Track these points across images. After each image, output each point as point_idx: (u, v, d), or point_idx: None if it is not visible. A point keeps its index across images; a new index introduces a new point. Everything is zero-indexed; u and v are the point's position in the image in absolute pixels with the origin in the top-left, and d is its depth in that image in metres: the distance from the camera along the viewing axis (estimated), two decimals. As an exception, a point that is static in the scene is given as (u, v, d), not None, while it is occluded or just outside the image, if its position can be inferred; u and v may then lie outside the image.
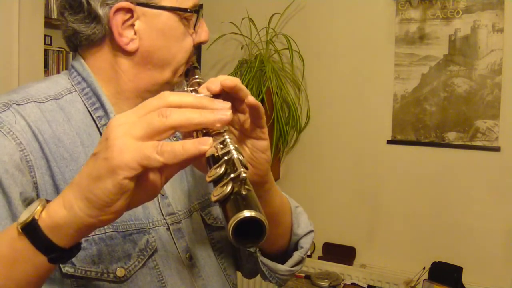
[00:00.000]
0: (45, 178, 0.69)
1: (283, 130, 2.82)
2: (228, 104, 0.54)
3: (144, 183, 0.52)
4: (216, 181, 0.51)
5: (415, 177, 2.64)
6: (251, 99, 0.65)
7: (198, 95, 0.62)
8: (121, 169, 0.48)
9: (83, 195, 0.51)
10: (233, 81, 0.63)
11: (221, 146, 0.54)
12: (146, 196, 0.54)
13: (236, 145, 0.54)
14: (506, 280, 2.42)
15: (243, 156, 0.54)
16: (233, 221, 0.46)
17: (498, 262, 2.45)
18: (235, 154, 0.53)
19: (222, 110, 0.52)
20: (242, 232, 0.47)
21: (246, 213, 0.46)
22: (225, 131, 0.58)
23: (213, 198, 0.50)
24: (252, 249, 0.88)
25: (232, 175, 0.50)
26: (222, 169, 0.51)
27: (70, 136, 0.73)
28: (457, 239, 2.53)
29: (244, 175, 0.50)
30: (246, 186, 0.50)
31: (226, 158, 0.52)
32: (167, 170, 0.53)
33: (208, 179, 0.52)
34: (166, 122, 0.50)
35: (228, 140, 0.54)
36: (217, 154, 0.53)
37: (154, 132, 0.50)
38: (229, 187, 0.49)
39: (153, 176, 0.52)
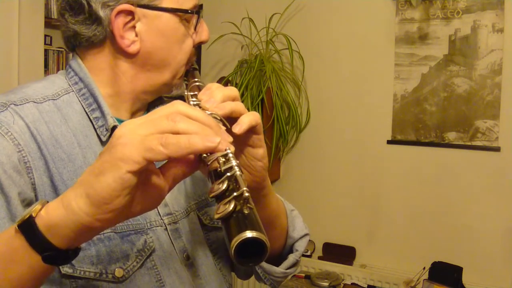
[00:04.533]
0: (43, 179, 0.69)
1: (283, 130, 2.82)
2: (230, 139, 0.56)
3: (148, 188, 0.52)
4: (219, 197, 0.52)
5: (415, 177, 2.64)
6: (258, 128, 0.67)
7: (208, 113, 0.62)
8: (123, 162, 0.49)
9: (84, 191, 0.51)
10: (257, 121, 0.66)
11: (223, 159, 0.54)
12: (151, 203, 0.54)
13: (238, 161, 0.55)
14: (506, 280, 2.42)
15: (242, 173, 0.54)
16: (235, 241, 0.47)
17: (498, 262, 2.45)
18: (237, 171, 0.53)
19: (226, 141, 0.53)
20: (243, 250, 0.48)
21: (248, 234, 0.47)
22: None
23: (216, 216, 0.51)
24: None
25: (235, 193, 0.51)
26: (225, 185, 0.52)
27: (67, 137, 0.73)
28: (457, 239, 2.53)
29: (247, 194, 0.51)
30: (248, 205, 0.50)
31: (228, 174, 0.53)
32: (171, 173, 0.54)
33: (211, 195, 0.53)
34: (174, 126, 0.51)
35: (230, 154, 0.55)
36: (219, 169, 0.53)
37: (159, 132, 0.50)
38: (232, 205, 0.50)
39: (156, 179, 0.52)
